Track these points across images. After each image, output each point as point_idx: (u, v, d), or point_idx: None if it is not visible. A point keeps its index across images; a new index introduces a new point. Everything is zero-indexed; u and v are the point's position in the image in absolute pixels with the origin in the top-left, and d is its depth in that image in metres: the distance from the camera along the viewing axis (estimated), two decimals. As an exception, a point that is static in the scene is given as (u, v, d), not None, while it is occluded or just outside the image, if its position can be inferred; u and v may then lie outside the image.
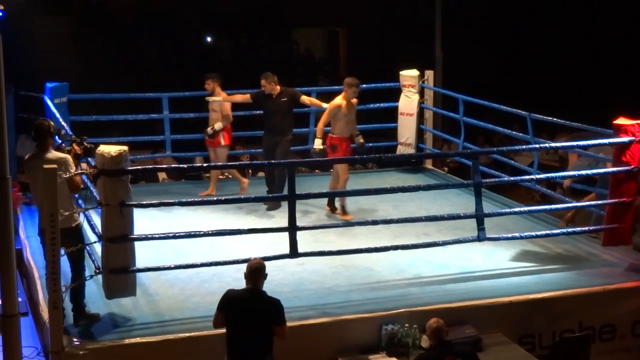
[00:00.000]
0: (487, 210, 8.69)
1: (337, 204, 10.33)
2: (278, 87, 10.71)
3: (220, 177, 12.10)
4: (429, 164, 12.84)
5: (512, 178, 9.92)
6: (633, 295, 8.24)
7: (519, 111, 10.55)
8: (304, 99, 10.83)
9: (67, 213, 7.11)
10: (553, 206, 9.48)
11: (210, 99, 11.15)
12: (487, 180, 9.28)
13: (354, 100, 10.28)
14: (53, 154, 7.25)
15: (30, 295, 8.40)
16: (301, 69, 23.73)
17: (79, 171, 7.32)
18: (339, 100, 10.15)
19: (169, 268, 7.81)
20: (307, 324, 7.38)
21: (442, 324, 6.61)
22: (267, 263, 7.75)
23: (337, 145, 10.11)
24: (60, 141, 7.67)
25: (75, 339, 6.95)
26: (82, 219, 7.58)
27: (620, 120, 8.74)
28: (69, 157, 7.26)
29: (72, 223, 7.23)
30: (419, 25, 19.74)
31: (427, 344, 6.95)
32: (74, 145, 7.36)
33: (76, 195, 7.69)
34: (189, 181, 13.05)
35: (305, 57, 25.11)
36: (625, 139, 8.57)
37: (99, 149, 7.17)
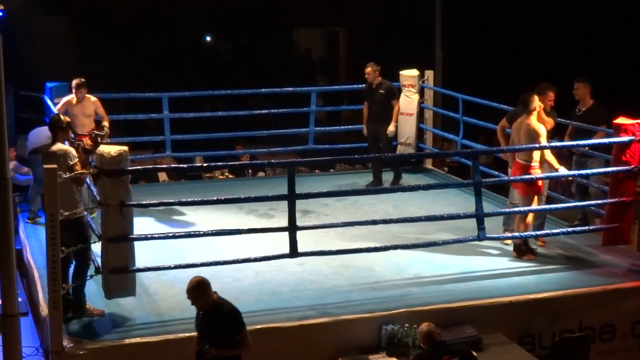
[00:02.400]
0: (487, 210, 8.69)
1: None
2: (379, 78, 11.47)
3: (221, 177, 12.09)
4: (429, 164, 12.84)
5: (512, 178, 9.90)
6: (633, 295, 8.24)
7: (519, 110, 10.52)
8: (395, 104, 11.52)
9: (67, 213, 7.11)
10: (553, 206, 9.48)
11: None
12: (487, 179, 9.28)
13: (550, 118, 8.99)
14: (57, 146, 7.38)
15: (30, 295, 8.39)
16: (301, 69, 23.73)
17: (86, 167, 7.33)
18: (537, 117, 8.77)
19: (169, 268, 7.80)
20: (307, 324, 7.37)
21: (432, 326, 6.60)
22: (267, 263, 7.78)
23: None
24: (73, 135, 7.73)
25: (75, 339, 6.94)
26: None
27: (620, 120, 8.74)
28: (70, 149, 7.36)
29: (72, 215, 7.21)
30: (419, 25, 19.73)
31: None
32: (85, 138, 7.39)
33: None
34: (189, 181, 13.05)
35: (304, 57, 25.12)
36: (625, 138, 8.57)
37: (99, 149, 7.19)
